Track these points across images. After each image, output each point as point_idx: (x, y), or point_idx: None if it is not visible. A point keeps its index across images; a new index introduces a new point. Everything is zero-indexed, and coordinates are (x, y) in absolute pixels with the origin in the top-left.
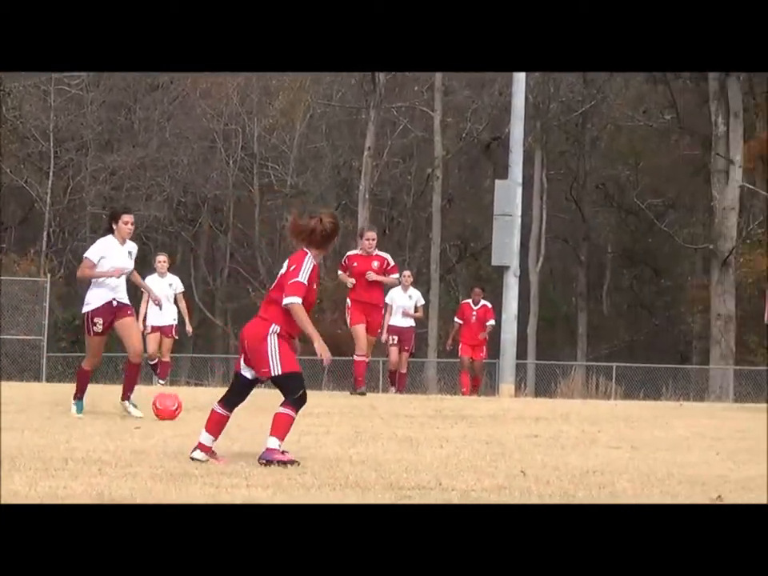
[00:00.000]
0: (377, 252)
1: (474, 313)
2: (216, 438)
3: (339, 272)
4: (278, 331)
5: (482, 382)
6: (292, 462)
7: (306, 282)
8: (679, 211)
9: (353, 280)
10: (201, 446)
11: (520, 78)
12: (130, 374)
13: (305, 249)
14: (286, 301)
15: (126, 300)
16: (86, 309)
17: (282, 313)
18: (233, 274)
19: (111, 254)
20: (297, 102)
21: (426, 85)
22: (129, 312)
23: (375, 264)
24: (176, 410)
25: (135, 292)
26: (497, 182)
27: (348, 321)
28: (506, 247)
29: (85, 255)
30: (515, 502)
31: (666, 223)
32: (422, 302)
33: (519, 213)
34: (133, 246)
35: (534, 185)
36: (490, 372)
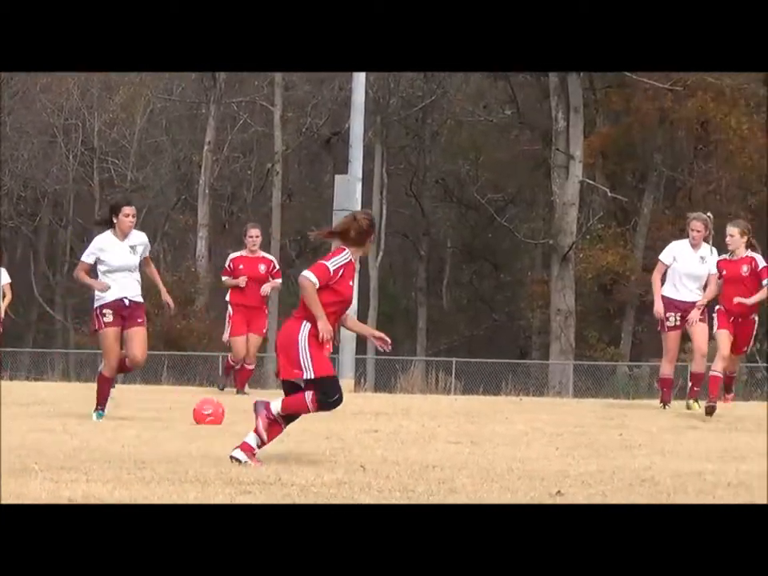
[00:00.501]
0: (262, 253)
1: None
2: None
3: (224, 278)
4: (309, 330)
5: None
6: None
7: (331, 269)
8: (519, 206)
9: (244, 278)
10: (244, 446)
11: (359, 73)
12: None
13: (343, 246)
14: (303, 273)
15: (139, 298)
16: (95, 304)
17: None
18: (73, 269)
19: (110, 252)
20: (137, 96)
21: (267, 80)
22: (140, 321)
23: (262, 267)
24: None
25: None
26: (336, 176)
27: (228, 330)
28: None
29: (81, 258)
30: (355, 496)
31: (505, 218)
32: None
33: (359, 208)
34: (139, 239)
35: (374, 180)
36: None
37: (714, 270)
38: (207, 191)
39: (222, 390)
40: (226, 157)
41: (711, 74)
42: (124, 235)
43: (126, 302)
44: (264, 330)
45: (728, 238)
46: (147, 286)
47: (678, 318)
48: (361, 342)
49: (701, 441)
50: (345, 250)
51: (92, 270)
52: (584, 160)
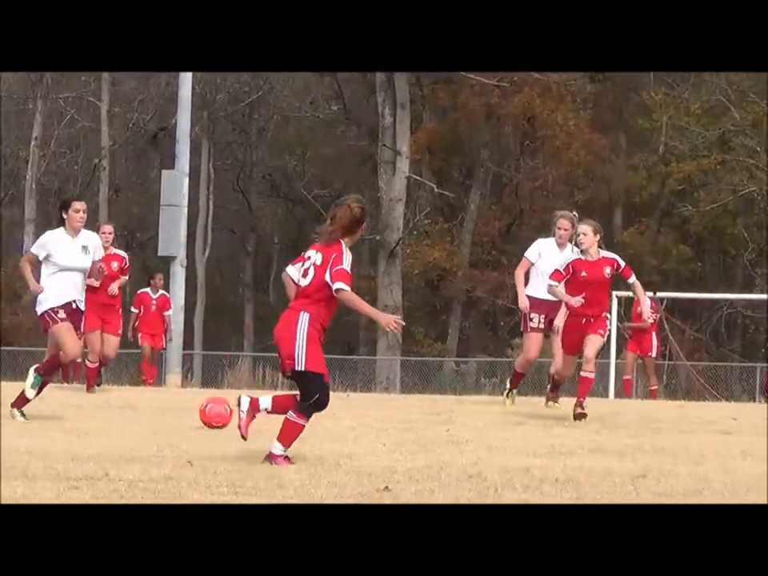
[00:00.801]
0: (114, 250)
1: (154, 301)
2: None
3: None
4: (308, 320)
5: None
6: None
7: (349, 270)
8: None
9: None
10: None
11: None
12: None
13: (338, 240)
14: (336, 286)
15: (81, 306)
16: (40, 308)
17: (313, 302)
18: None
19: (60, 248)
20: None
21: (93, 75)
22: (78, 320)
23: (114, 265)
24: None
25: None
26: (163, 172)
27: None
28: (172, 237)
29: (30, 249)
30: (182, 492)
31: None
32: None
33: (186, 203)
34: (90, 239)
35: (200, 175)
36: (158, 362)
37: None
38: (34, 186)
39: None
40: (53, 152)
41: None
42: (75, 232)
43: (74, 305)
44: (119, 331)
45: (581, 237)
46: None
47: (542, 320)
48: (188, 337)
49: (528, 436)
50: (342, 244)
51: (36, 268)
52: (411, 156)
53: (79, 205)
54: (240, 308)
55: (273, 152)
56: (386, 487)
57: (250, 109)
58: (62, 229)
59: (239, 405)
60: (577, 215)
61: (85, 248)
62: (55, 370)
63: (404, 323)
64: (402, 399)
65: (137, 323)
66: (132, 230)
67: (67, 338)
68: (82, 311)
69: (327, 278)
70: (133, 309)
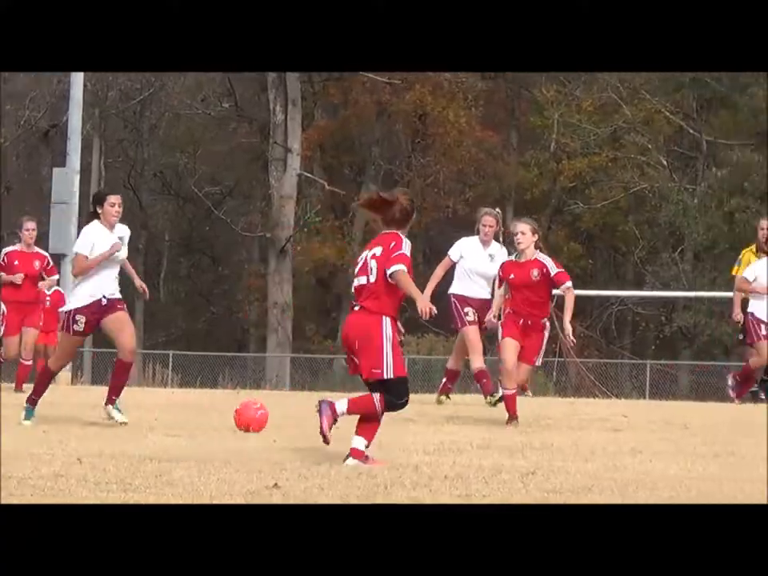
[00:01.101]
0: (36, 249)
1: (48, 298)
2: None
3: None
4: (390, 324)
5: None
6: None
7: (408, 255)
8: (237, 199)
9: (21, 275)
10: (354, 453)
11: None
12: (119, 374)
13: (394, 231)
14: (393, 268)
15: (117, 295)
16: (67, 306)
17: (387, 299)
18: None
19: (101, 243)
20: None
21: None
22: (120, 306)
23: (36, 263)
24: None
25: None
26: (54, 169)
27: (2, 328)
28: (63, 234)
29: (74, 250)
30: (72, 489)
31: (223, 211)
32: None
33: (77, 200)
34: (124, 231)
35: (92, 172)
36: None
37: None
38: None
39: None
40: None
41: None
42: (111, 226)
43: (104, 301)
44: (39, 323)
45: (518, 236)
46: None
47: (475, 314)
48: None
49: (418, 434)
50: (398, 233)
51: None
52: (302, 153)
53: (114, 198)
54: (130, 305)
55: (164, 149)
56: (276, 484)
57: (141, 106)
58: (97, 222)
59: (320, 409)
60: (500, 212)
61: (121, 239)
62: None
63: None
64: (292, 396)
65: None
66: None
67: (67, 354)
68: (112, 301)
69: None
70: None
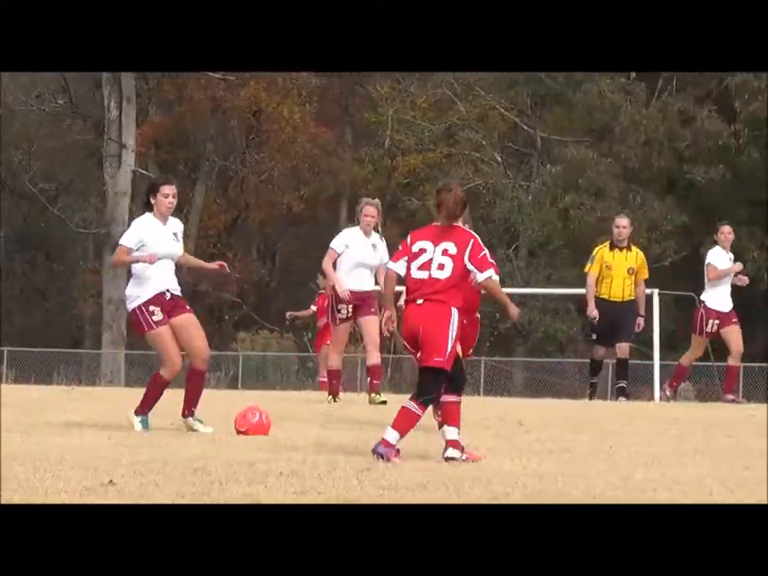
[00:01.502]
0: None
1: None
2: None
3: None
4: (458, 316)
5: None
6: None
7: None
8: (72, 196)
9: None
10: (386, 443)
11: None
12: (195, 384)
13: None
14: (486, 274)
15: (179, 291)
16: (133, 304)
17: (458, 294)
18: None
19: (152, 237)
20: None
21: None
22: (187, 307)
23: None
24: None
25: None
26: None
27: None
28: None
29: (120, 241)
30: None
31: (58, 208)
32: None
33: None
34: (177, 226)
35: None
36: None
37: (386, 260)
38: None
39: None
40: None
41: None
42: (164, 218)
43: (168, 295)
44: None
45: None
46: None
47: (350, 310)
48: None
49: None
50: (466, 229)
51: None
52: (137, 149)
53: (168, 188)
54: None
55: None
56: (111, 481)
57: None
58: (149, 215)
59: (381, 454)
60: (379, 202)
61: (175, 234)
62: (158, 395)
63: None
64: (128, 393)
65: None
66: None
67: (168, 347)
68: (175, 297)
69: (470, 266)
70: None
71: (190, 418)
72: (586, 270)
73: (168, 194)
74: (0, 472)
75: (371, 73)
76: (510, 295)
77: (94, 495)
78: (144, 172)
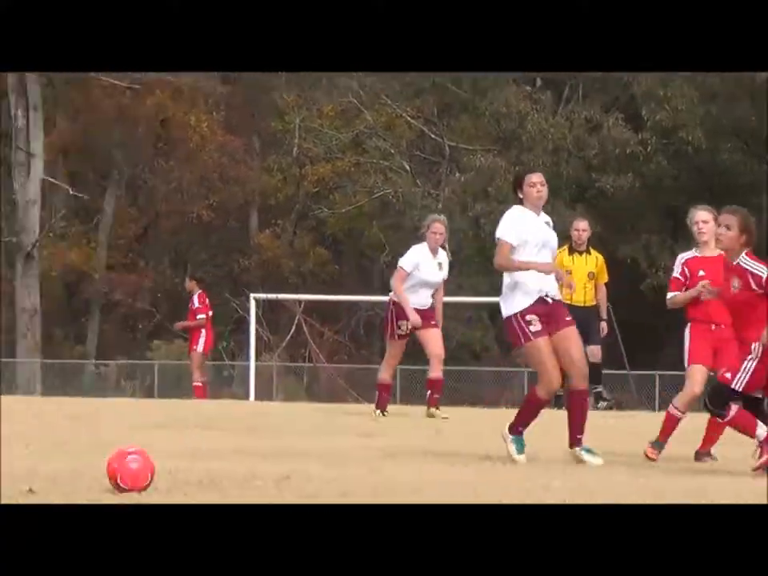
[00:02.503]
0: None
1: None
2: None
3: None
4: None
5: None
6: None
7: None
8: None
9: None
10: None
11: None
12: (577, 407)
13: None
14: None
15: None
16: (512, 311)
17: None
18: None
19: (528, 232)
20: None
21: None
22: (570, 320)
23: None
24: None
25: None
26: None
27: None
28: None
29: (502, 238)
30: None
31: None
32: None
33: None
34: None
35: None
36: None
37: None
38: None
39: None
40: None
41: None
42: (538, 209)
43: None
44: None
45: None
46: None
47: (409, 327)
48: None
49: (171, 439)
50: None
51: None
52: (45, 158)
53: (536, 177)
54: None
55: None
56: (30, 489)
57: None
58: (520, 207)
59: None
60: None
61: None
62: (535, 414)
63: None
64: (43, 402)
65: None
66: None
67: (547, 362)
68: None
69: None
70: None
71: (577, 448)
72: None
73: (536, 182)
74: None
75: (277, 81)
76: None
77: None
78: (53, 181)
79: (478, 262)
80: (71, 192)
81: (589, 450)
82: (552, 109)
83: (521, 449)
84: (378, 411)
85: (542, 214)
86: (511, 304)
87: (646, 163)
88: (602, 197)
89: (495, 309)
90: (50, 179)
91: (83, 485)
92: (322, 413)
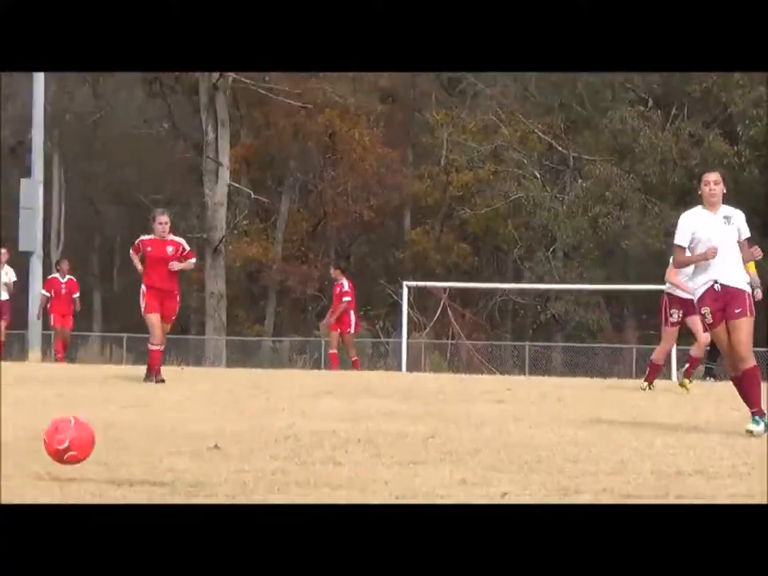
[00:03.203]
0: (171, 236)
1: (63, 285)
2: None
3: (132, 253)
4: None
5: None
6: None
7: None
8: (176, 206)
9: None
10: None
11: (39, 91)
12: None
13: None
14: None
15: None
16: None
17: None
18: None
19: (702, 230)
20: None
21: None
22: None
23: (170, 249)
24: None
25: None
26: (22, 180)
27: (142, 308)
28: (30, 235)
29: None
30: None
31: None
32: None
33: (41, 206)
34: (733, 212)
35: (53, 183)
36: (21, 342)
37: None
38: None
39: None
40: None
41: (337, 94)
42: (713, 207)
43: (717, 287)
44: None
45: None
46: None
47: (681, 315)
48: (47, 320)
49: (334, 404)
50: None
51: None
52: (231, 167)
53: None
54: (89, 294)
55: (114, 164)
56: (216, 445)
57: (94, 126)
58: (698, 208)
59: None
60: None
61: (726, 219)
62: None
63: None
64: (228, 373)
65: (48, 306)
66: None
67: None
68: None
69: None
70: (44, 292)
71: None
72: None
73: (709, 181)
74: (0, 472)
75: (428, 101)
76: (548, 290)
77: (200, 457)
78: (238, 186)
79: (596, 255)
80: (252, 196)
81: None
82: (661, 125)
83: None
84: (647, 384)
85: (723, 208)
86: (695, 295)
87: (740, 173)
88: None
89: (610, 294)
90: (235, 184)
91: (261, 443)
92: (462, 382)
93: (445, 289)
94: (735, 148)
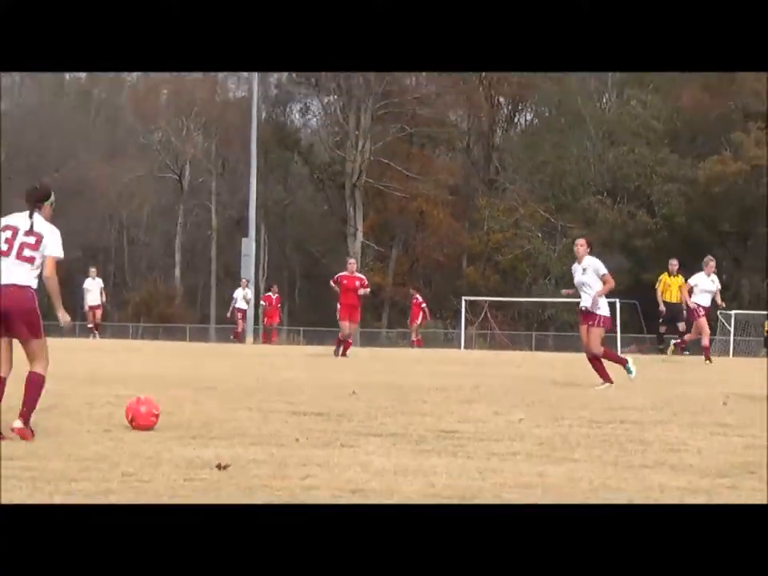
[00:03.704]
0: (357, 273)
1: (274, 299)
2: None
3: (332, 283)
4: None
5: None
6: None
7: None
8: (334, 254)
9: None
10: None
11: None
12: None
13: None
14: None
15: None
16: None
17: None
18: None
19: None
20: None
21: None
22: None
23: (357, 283)
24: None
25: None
26: (243, 239)
27: (338, 316)
28: (247, 269)
29: None
30: None
31: (322, 263)
32: None
33: (254, 254)
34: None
35: (261, 240)
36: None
37: None
38: None
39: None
40: None
41: (423, 189)
42: None
43: None
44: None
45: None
46: None
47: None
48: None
49: (424, 369)
50: None
51: None
52: (363, 231)
53: None
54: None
55: (299, 231)
56: (354, 390)
57: (284, 209)
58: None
59: None
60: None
61: None
62: None
63: None
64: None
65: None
66: None
67: None
68: None
69: None
70: (262, 302)
71: None
72: None
73: None
74: (0, 472)
75: (477, 192)
76: (545, 302)
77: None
78: (367, 242)
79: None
80: (375, 248)
81: None
82: (611, 206)
83: None
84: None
85: (586, 259)
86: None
87: (657, 234)
88: None
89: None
90: (365, 241)
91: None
92: (497, 356)
93: (486, 301)
94: (654, 220)
